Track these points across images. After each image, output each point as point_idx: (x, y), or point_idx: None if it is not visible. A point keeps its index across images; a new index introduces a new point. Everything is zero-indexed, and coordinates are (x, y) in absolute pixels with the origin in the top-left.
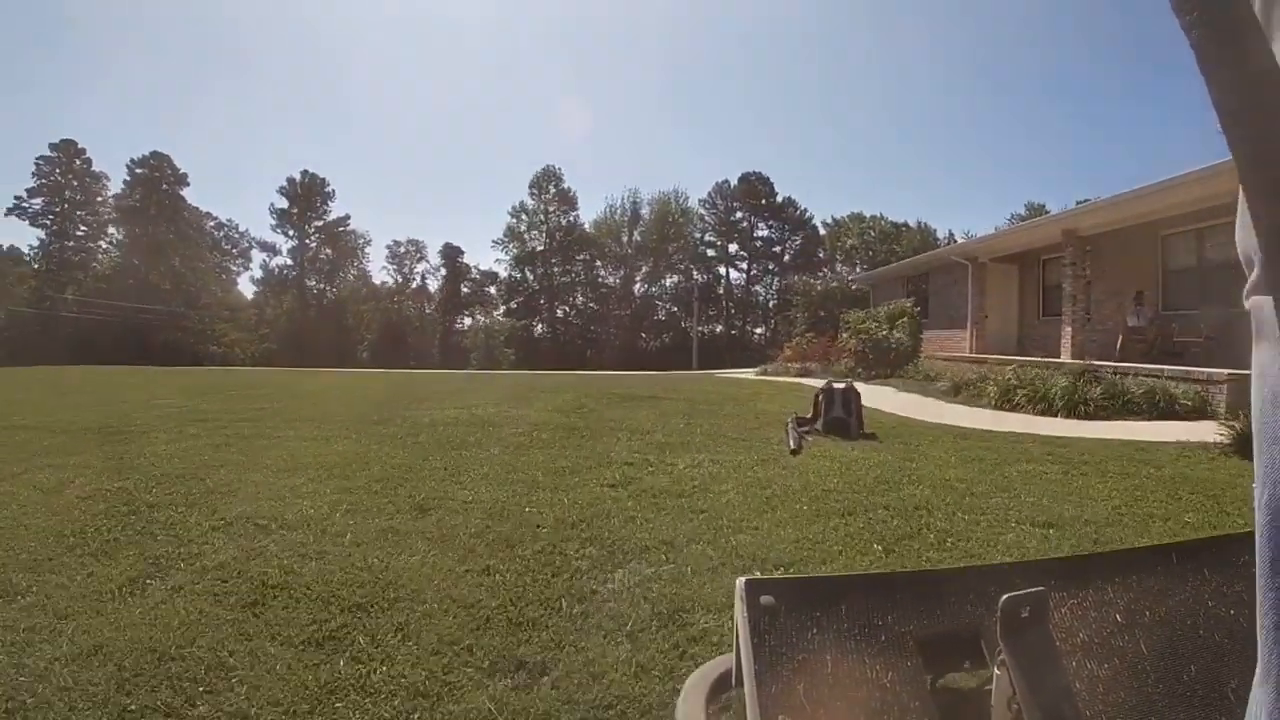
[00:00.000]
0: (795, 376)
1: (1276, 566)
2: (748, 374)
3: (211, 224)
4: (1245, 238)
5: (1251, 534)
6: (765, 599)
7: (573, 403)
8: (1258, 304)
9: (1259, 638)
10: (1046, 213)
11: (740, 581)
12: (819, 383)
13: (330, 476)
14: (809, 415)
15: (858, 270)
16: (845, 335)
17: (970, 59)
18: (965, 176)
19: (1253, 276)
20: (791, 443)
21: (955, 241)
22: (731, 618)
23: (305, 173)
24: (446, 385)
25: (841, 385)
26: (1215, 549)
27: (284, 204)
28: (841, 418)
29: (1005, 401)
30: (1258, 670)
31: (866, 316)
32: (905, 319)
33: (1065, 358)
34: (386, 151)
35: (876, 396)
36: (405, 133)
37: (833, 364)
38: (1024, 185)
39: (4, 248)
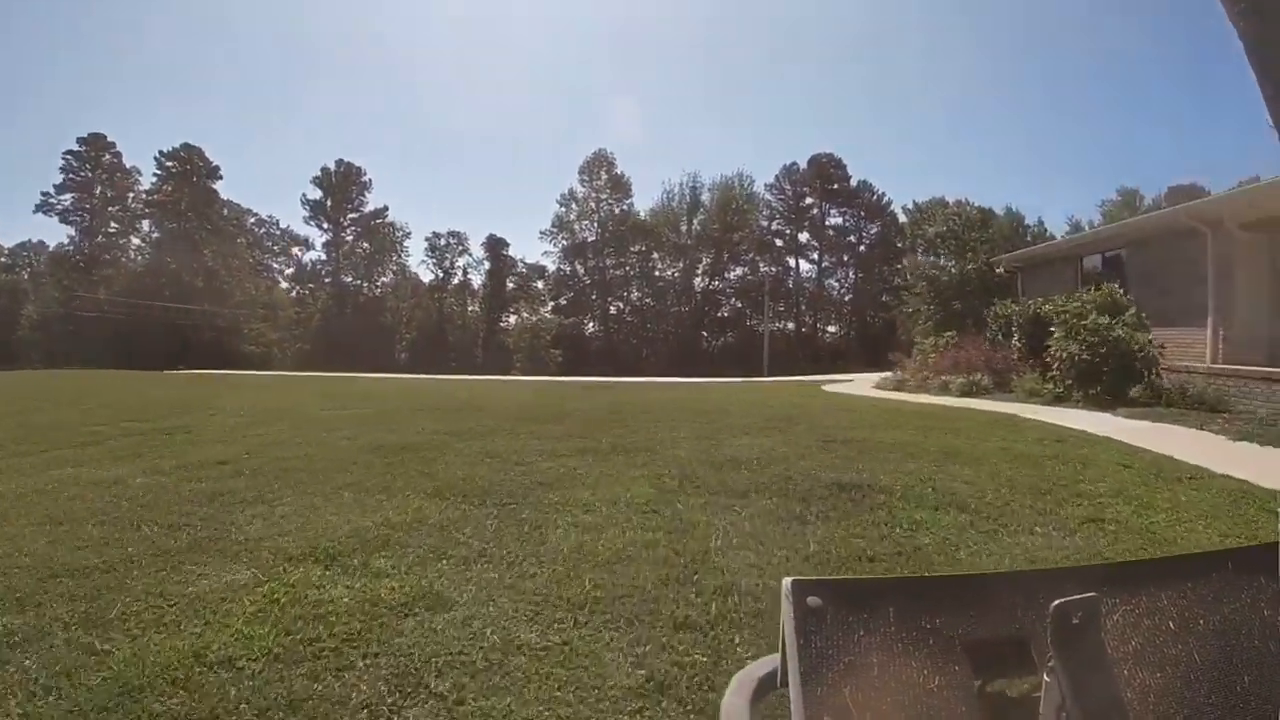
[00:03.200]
0: (960, 396)
1: None
2: (865, 385)
3: (252, 220)
4: None
5: None
6: (812, 600)
7: (657, 494)
8: None
9: None
10: (1142, 198)
11: (786, 581)
12: (1036, 412)
13: None
14: None
15: (940, 261)
16: (1057, 337)
17: (1056, 36)
18: (1049, 163)
19: None
20: None
21: (1047, 232)
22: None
23: (340, 161)
24: (428, 419)
25: None
26: (1272, 556)
27: (317, 195)
28: None
29: None
30: None
31: (1085, 307)
32: (1132, 312)
33: None
34: (426, 137)
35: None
36: (446, 116)
37: (1014, 377)
38: (1113, 171)
39: (48, 246)
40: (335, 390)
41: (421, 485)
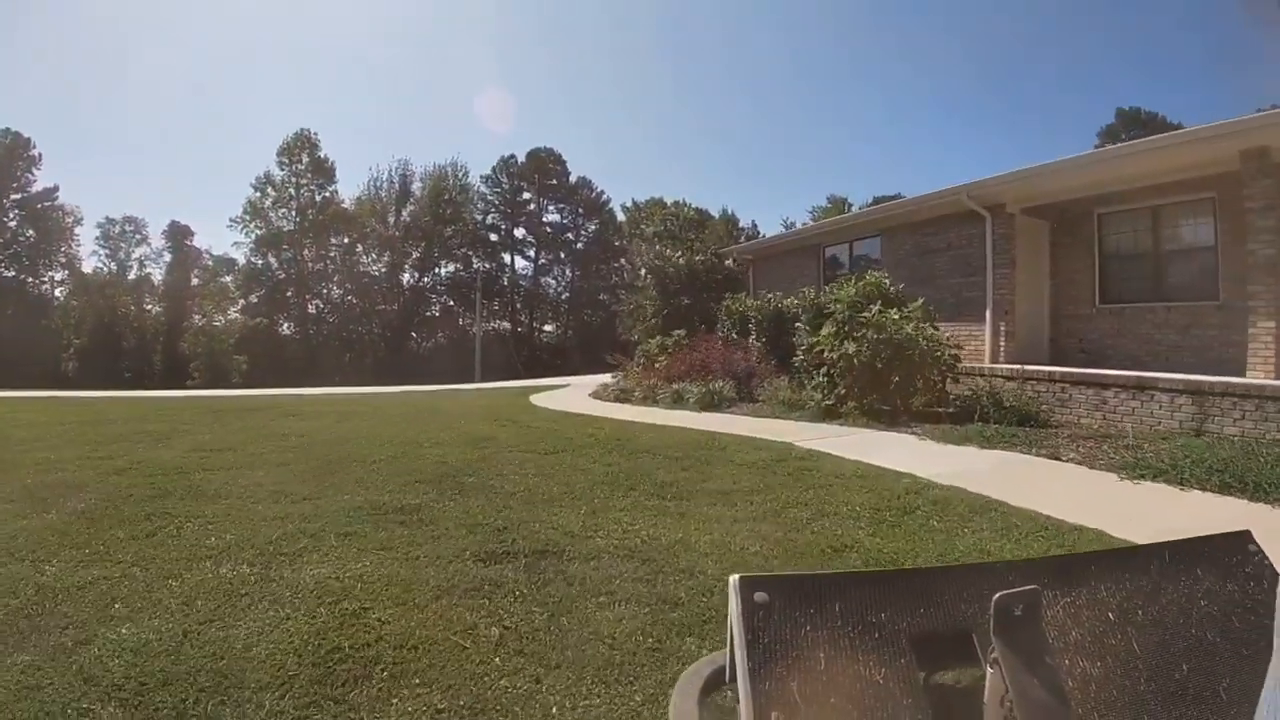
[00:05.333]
0: (701, 409)
1: None
2: (582, 392)
3: None
4: None
5: (1246, 533)
6: (759, 596)
7: None
8: None
9: (1275, 644)
10: (851, 206)
11: (734, 579)
12: (813, 437)
13: None
14: None
15: (666, 251)
16: (825, 334)
17: (767, 49)
18: (760, 170)
19: None
20: None
21: (760, 233)
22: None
23: (7, 131)
24: None
25: None
26: (1208, 549)
27: None
28: None
29: None
30: (1271, 673)
31: (857, 298)
32: (919, 304)
33: (1260, 375)
34: (104, 104)
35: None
36: (122, 74)
37: (758, 383)
38: (822, 182)
39: None
40: None
41: None
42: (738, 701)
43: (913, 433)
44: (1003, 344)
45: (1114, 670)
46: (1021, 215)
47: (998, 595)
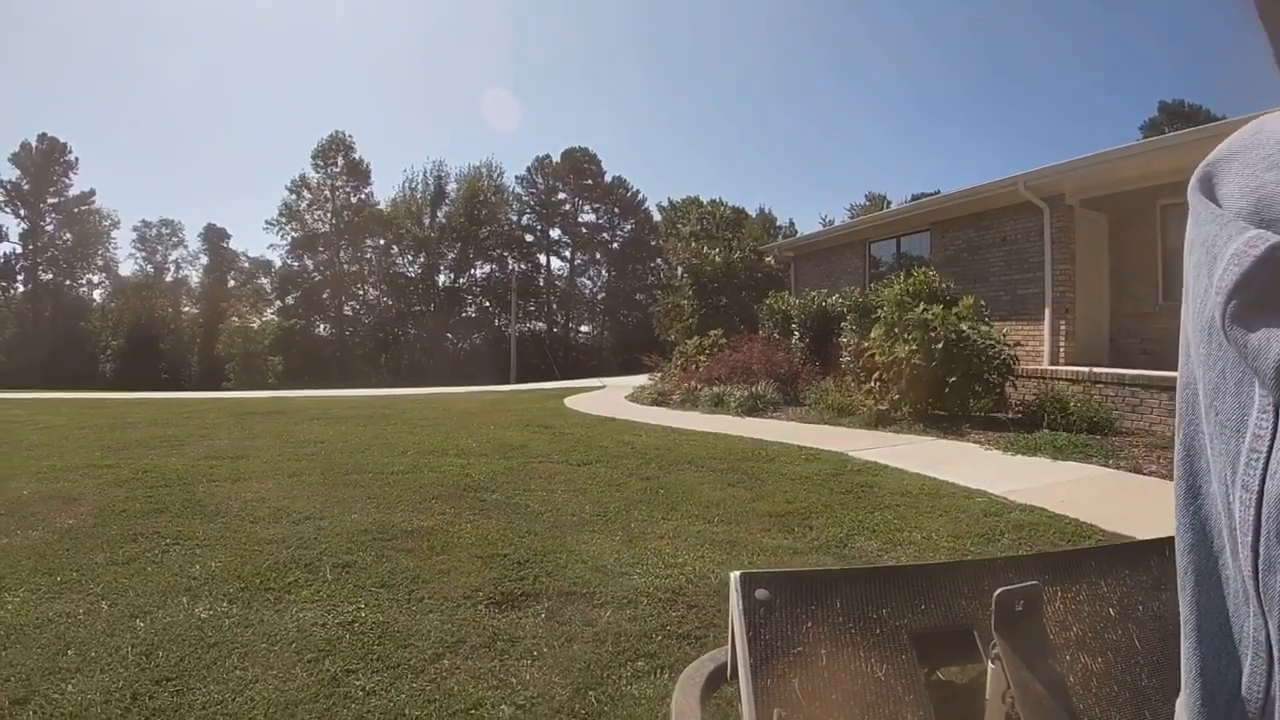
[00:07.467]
0: (744, 414)
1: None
2: (618, 395)
3: None
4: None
5: None
6: (760, 592)
7: None
8: None
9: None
10: (889, 203)
11: (734, 575)
12: (872, 447)
13: None
14: None
15: (703, 250)
16: (874, 336)
17: (803, 52)
18: (796, 168)
19: None
20: None
21: (798, 232)
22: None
23: (43, 136)
24: None
25: None
26: None
27: (14, 175)
28: None
29: None
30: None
31: (905, 296)
32: (969, 302)
33: None
34: (138, 107)
35: None
36: (159, 81)
37: (802, 384)
38: (859, 180)
39: None
40: None
41: None
42: (739, 698)
43: (975, 441)
44: (1063, 344)
45: (1115, 666)
46: (1082, 208)
47: (999, 591)
